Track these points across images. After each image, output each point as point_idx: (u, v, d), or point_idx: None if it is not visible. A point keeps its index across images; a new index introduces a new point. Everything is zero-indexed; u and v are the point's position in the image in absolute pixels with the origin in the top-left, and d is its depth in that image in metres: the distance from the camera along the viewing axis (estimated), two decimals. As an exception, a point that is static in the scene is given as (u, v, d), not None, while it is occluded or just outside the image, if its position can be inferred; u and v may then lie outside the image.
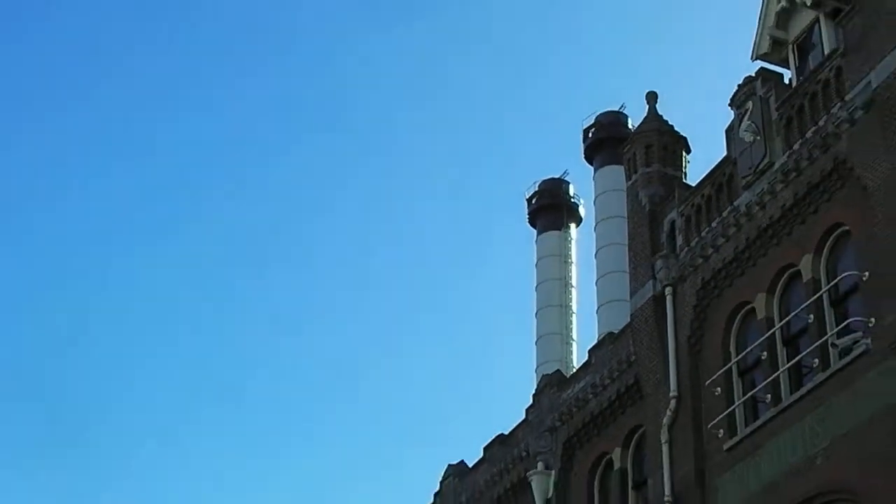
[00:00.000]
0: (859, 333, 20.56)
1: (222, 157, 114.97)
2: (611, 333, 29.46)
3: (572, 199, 62.86)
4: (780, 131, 23.55)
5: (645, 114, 28.94)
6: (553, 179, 63.35)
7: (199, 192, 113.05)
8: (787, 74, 25.41)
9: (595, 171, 58.32)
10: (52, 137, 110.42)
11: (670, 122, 28.45)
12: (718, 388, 23.72)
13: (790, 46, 25.84)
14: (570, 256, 61.64)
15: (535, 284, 61.11)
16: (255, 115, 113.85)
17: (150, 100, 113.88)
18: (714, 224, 24.81)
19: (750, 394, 23.21)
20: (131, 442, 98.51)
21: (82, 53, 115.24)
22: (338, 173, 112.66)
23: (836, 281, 21.82)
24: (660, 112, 28.80)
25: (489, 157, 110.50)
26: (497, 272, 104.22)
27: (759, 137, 23.95)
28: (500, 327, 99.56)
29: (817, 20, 25.11)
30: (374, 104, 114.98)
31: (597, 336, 44.49)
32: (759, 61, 25.94)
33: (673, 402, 24.64)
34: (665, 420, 24.71)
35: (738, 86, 24.97)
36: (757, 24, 26.15)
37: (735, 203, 24.34)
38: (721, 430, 23.37)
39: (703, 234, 25.08)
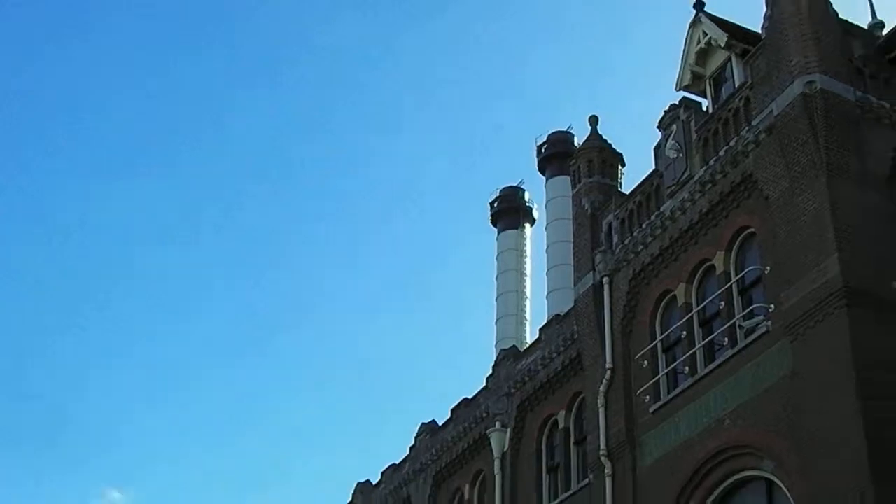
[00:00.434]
0: (762, 317, 21.22)
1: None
2: (558, 315, 29.88)
3: (527, 204, 65.17)
4: (699, 150, 24.07)
5: (588, 133, 29.67)
6: (511, 187, 65.72)
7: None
8: (705, 103, 25.94)
9: (546, 180, 60.60)
10: (53, 140, 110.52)
11: (609, 141, 29.29)
12: (646, 362, 24.37)
13: (707, 80, 26.34)
14: (525, 251, 63.93)
15: (496, 274, 63.20)
16: (252, 118, 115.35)
17: (150, 100, 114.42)
18: (644, 226, 25.36)
19: (671, 366, 23.77)
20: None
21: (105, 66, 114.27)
22: (339, 172, 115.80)
23: (742, 274, 22.41)
24: (600, 132, 29.56)
25: (459, 167, 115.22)
26: (464, 264, 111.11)
27: (681, 154, 24.50)
28: (466, 309, 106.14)
29: (730, 59, 25.66)
30: (364, 111, 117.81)
31: (546, 317, 44.00)
32: (682, 91, 26.53)
33: (608, 372, 25.20)
34: (602, 388, 25.28)
35: (665, 111, 25.54)
36: (680, 61, 26.62)
37: (661, 208, 24.86)
38: (648, 396, 24.00)
39: (635, 233, 25.59)
